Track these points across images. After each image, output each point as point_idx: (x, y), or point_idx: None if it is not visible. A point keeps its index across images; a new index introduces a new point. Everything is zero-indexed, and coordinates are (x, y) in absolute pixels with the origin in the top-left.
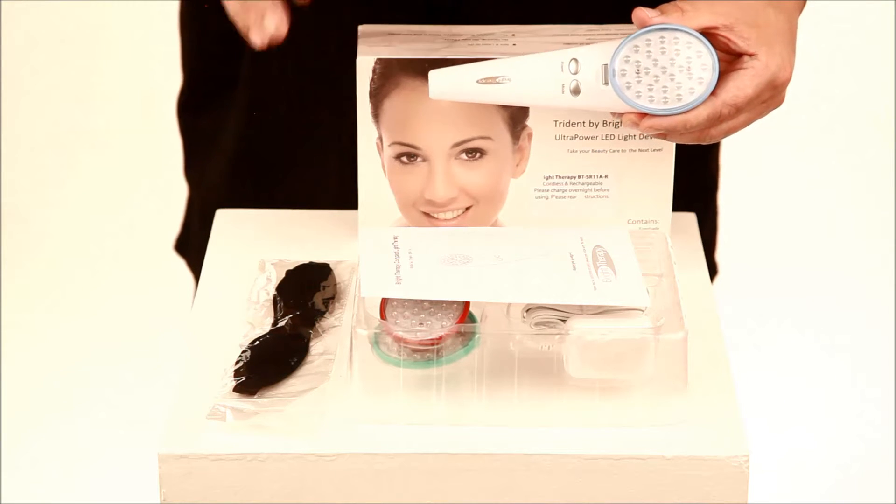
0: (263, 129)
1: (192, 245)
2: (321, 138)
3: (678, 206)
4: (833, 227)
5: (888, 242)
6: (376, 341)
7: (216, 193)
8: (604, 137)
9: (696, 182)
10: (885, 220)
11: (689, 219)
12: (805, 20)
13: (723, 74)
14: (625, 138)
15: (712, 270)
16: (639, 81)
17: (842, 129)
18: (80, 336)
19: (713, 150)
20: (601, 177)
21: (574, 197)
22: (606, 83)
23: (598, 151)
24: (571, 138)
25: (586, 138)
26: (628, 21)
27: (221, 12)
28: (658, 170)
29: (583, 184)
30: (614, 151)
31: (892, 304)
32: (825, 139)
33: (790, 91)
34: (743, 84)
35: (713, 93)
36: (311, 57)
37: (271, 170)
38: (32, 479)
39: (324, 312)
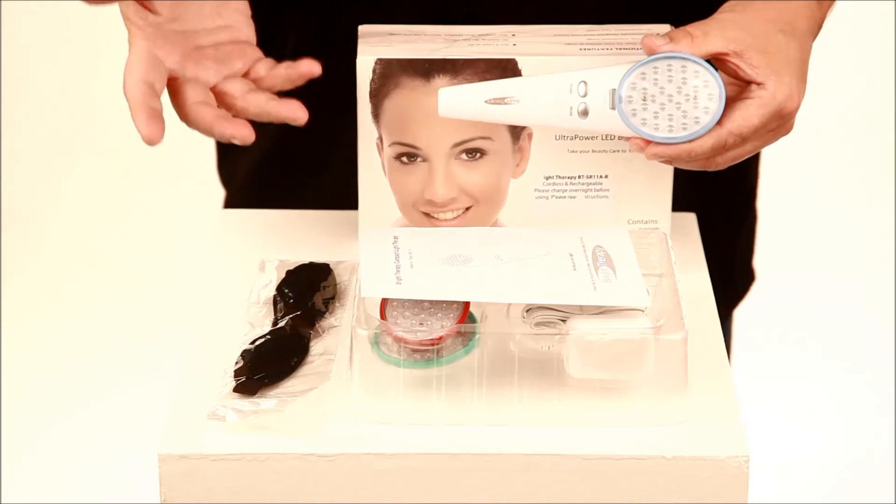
0: (263, 130)
1: None
2: (321, 138)
3: (713, 212)
4: (833, 227)
5: (888, 242)
6: (376, 341)
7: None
8: (604, 138)
9: (734, 188)
10: (885, 217)
11: (690, 219)
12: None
13: (730, 102)
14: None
15: (750, 277)
16: (645, 109)
17: (839, 124)
18: (79, 336)
19: (753, 157)
20: (601, 177)
21: (574, 197)
22: (614, 108)
23: (598, 151)
24: (571, 138)
25: (586, 138)
26: (627, 21)
27: None
28: (658, 170)
29: (583, 184)
30: (614, 151)
31: (893, 303)
32: (820, 136)
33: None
34: (749, 114)
35: (719, 122)
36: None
37: (268, 169)
38: (32, 479)
39: (324, 312)
